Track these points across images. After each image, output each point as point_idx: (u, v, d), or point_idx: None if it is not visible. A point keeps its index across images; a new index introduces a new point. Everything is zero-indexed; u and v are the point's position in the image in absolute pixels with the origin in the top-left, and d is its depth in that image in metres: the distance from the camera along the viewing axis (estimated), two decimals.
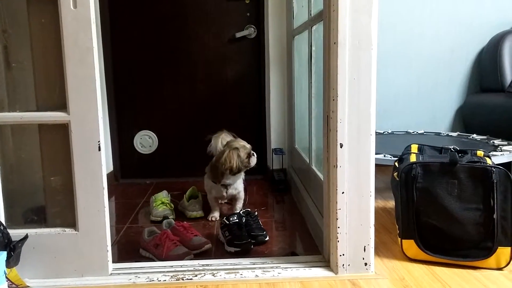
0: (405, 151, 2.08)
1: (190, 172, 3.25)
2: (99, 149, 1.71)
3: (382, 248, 2.01)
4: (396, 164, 2.04)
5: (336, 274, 1.77)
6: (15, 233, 1.70)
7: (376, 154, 1.76)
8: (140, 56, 3.29)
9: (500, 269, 1.79)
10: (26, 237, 1.70)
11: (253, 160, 2.46)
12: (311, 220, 2.29)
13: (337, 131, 1.70)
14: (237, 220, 2.17)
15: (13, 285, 1.65)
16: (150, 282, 1.74)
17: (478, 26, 3.58)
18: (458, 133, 3.36)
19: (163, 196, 2.63)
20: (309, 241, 2.18)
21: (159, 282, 1.75)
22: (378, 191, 2.76)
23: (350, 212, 1.74)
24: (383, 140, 3.15)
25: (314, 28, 2.39)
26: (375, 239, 1.79)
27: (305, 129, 2.69)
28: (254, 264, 1.88)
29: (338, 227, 1.75)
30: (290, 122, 3.17)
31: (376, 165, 1.78)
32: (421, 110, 3.65)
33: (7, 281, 1.61)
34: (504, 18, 3.56)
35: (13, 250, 1.65)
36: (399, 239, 1.92)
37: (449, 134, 3.33)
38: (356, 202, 1.74)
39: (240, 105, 3.37)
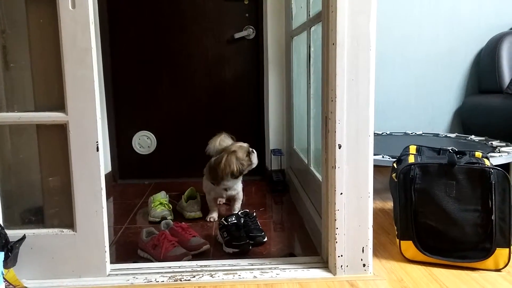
0: (403, 152, 2.08)
1: (189, 173, 3.25)
2: (97, 150, 1.71)
3: (381, 249, 2.01)
4: (395, 165, 2.04)
5: (334, 275, 1.77)
6: (13, 234, 1.70)
7: (374, 155, 1.76)
8: (139, 57, 3.29)
9: (498, 270, 1.79)
10: (23, 237, 1.70)
11: (254, 157, 2.45)
12: (309, 221, 2.29)
13: (335, 132, 1.70)
14: (236, 221, 2.17)
15: (11, 286, 1.64)
16: (148, 283, 1.74)
17: (476, 28, 3.58)
18: (456, 134, 3.36)
19: (162, 196, 2.63)
20: (308, 242, 2.18)
21: (157, 283, 1.74)
22: (377, 192, 2.76)
23: (348, 213, 1.74)
24: (381, 141, 3.15)
25: (312, 29, 2.39)
26: (373, 240, 1.79)
27: (303, 130, 2.69)
28: (252, 265, 1.88)
29: (337, 228, 1.75)
30: (289, 123, 3.17)
31: (375, 166, 1.78)
32: (419, 111, 3.65)
33: (4, 281, 1.61)
34: (502, 20, 3.57)
35: (11, 251, 1.65)
36: (398, 240, 1.92)
37: (448, 135, 3.34)
38: (354, 203, 1.74)
39: (238, 106, 3.37)
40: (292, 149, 3.06)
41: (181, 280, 1.75)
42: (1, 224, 1.71)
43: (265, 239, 2.19)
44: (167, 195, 2.69)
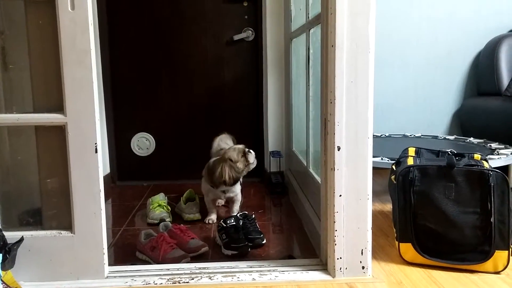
0: (402, 154, 2.08)
1: (187, 175, 3.25)
2: (96, 151, 1.71)
3: (380, 252, 2.00)
4: (394, 167, 2.04)
5: (333, 277, 1.77)
6: (11, 236, 1.69)
7: (373, 157, 1.76)
8: (138, 58, 3.29)
9: (497, 272, 1.79)
10: (21, 239, 1.70)
11: (251, 157, 2.44)
12: (308, 223, 2.28)
13: (334, 134, 1.70)
14: (234, 223, 2.17)
15: None
16: (147, 285, 1.74)
17: (475, 30, 3.59)
18: (455, 136, 3.37)
19: (160, 198, 2.63)
20: (307, 244, 2.18)
21: (156, 285, 1.74)
22: (376, 194, 2.76)
23: (347, 215, 1.74)
24: (380, 143, 3.15)
25: (312, 31, 2.39)
26: (372, 243, 1.79)
27: (302, 132, 2.69)
28: (251, 267, 1.87)
29: (336, 230, 1.75)
30: (288, 125, 3.17)
31: (374, 168, 1.78)
32: (418, 113, 3.66)
33: (2, 283, 1.60)
34: (500, 22, 3.57)
35: (9, 253, 1.65)
36: (397, 242, 1.92)
37: (446, 137, 3.34)
38: (353, 205, 1.74)
39: (237, 108, 3.37)
40: (291, 151, 3.06)
41: (179, 283, 1.75)
42: None
43: (264, 241, 2.18)
44: (166, 197, 2.69)
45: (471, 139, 3.18)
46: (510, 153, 2.68)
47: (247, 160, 2.42)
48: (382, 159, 2.57)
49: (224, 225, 2.15)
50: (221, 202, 2.76)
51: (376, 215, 2.48)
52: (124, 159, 3.39)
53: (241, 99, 3.37)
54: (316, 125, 2.21)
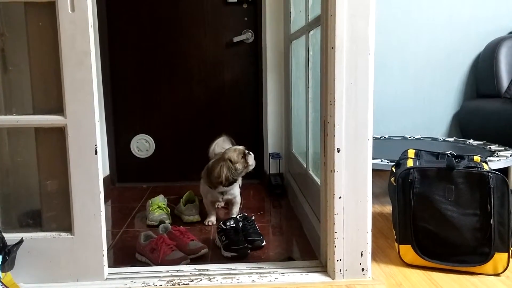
0: (402, 156, 2.08)
1: (187, 177, 3.25)
2: (96, 153, 1.71)
3: (379, 253, 2.00)
4: (393, 169, 2.04)
5: (333, 279, 1.77)
6: (10, 237, 1.69)
7: (373, 159, 1.76)
8: (138, 60, 3.29)
9: (497, 274, 1.79)
10: (21, 241, 1.70)
11: (251, 159, 2.44)
12: (308, 225, 2.28)
13: (334, 135, 1.70)
14: (234, 225, 2.16)
15: None
16: (146, 287, 1.73)
17: (474, 32, 3.59)
18: (454, 138, 3.37)
19: (160, 200, 2.63)
20: (306, 246, 2.18)
21: (155, 287, 1.74)
22: (375, 196, 2.76)
23: (347, 217, 1.74)
24: (380, 145, 3.15)
25: (311, 33, 2.39)
26: (372, 244, 1.79)
27: (302, 134, 2.69)
28: (251, 269, 1.87)
29: (335, 232, 1.75)
30: (287, 127, 3.17)
31: (373, 170, 1.78)
32: (418, 115, 3.66)
33: (2, 285, 1.60)
34: (500, 24, 3.58)
35: (8, 254, 1.64)
36: (396, 244, 1.92)
37: (446, 139, 3.34)
38: (353, 207, 1.74)
39: (237, 110, 3.37)
40: (291, 153, 3.06)
41: (179, 284, 1.75)
42: None
43: (264, 243, 2.18)
44: (165, 199, 2.69)
45: (471, 141, 3.18)
46: (509, 155, 2.68)
47: (246, 162, 2.42)
48: (381, 161, 2.57)
49: (224, 227, 2.15)
50: (220, 204, 2.75)
51: (376, 217, 2.48)
52: (123, 161, 3.39)
53: (241, 101, 3.37)
54: (316, 127, 2.21)
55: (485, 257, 1.77)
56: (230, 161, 2.39)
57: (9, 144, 1.87)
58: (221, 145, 2.66)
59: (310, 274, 1.81)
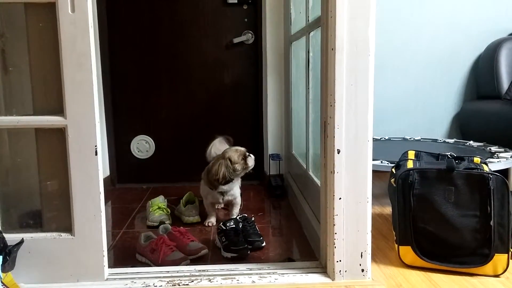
0: (402, 157, 2.08)
1: (187, 177, 3.25)
2: (96, 154, 1.71)
3: (379, 255, 2.00)
4: (393, 170, 2.04)
5: (333, 280, 1.77)
6: (11, 238, 1.69)
7: (373, 160, 1.76)
8: (138, 61, 3.30)
9: (497, 276, 1.79)
10: (21, 241, 1.70)
11: (251, 161, 2.44)
12: (308, 226, 2.28)
13: (334, 137, 1.70)
14: (234, 226, 2.17)
15: None
16: (146, 287, 1.74)
17: (475, 33, 3.59)
18: (455, 139, 3.37)
19: (160, 201, 2.63)
20: (306, 247, 2.18)
21: (155, 287, 1.74)
22: (375, 197, 2.76)
23: (347, 218, 1.74)
24: (380, 146, 3.15)
25: (311, 34, 2.39)
26: (372, 245, 1.79)
27: (302, 135, 2.69)
28: (250, 270, 1.87)
29: (335, 233, 1.75)
30: (287, 128, 3.17)
31: (373, 171, 1.78)
32: (418, 116, 3.66)
33: (2, 285, 1.60)
34: (500, 26, 3.58)
35: (9, 255, 1.65)
36: (396, 245, 1.92)
37: (446, 140, 3.34)
38: (353, 208, 1.74)
39: (237, 111, 3.38)
40: (291, 154, 3.06)
41: (179, 285, 1.75)
42: None
43: (264, 244, 2.18)
44: (165, 200, 2.69)
45: (471, 142, 3.19)
46: (509, 156, 2.68)
47: (246, 163, 2.43)
48: (381, 162, 2.58)
49: (224, 228, 2.15)
50: (220, 205, 2.75)
51: (376, 218, 2.48)
52: (124, 161, 3.39)
53: (241, 102, 3.37)
54: (316, 128, 2.21)
55: (485, 258, 1.77)
56: (230, 160, 2.39)
57: (9, 144, 1.87)
58: (218, 147, 2.66)
59: (310, 275, 1.81)
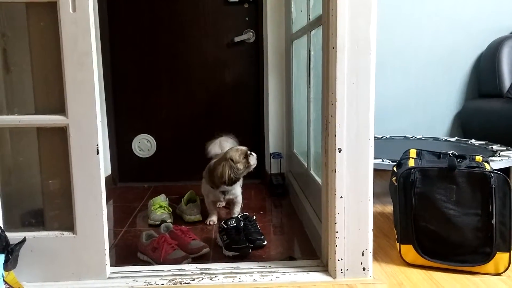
0: (403, 156, 2.08)
1: (188, 176, 3.25)
2: (97, 153, 1.71)
3: (381, 253, 2.00)
4: (395, 169, 2.04)
5: (334, 278, 1.77)
6: (13, 236, 1.70)
7: (374, 158, 1.76)
8: (139, 60, 3.30)
9: (498, 274, 1.79)
10: (24, 240, 1.70)
11: (252, 160, 2.43)
12: (309, 224, 2.29)
13: (335, 135, 1.70)
14: (235, 224, 2.17)
15: None
16: (148, 286, 1.74)
17: (476, 32, 3.59)
18: (456, 138, 3.36)
19: (161, 199, 2.63)
20: (307, 245, 2.18)
21: (157, 285, 1.74)
22: (377, 195, 2.76)
23: (348, 216, 1.74)
24: (381, 145, 3.15)
25: (312, 32, 2.39)
26: (373, 244, 1.79)
27: (303, 134, 2.69)
28: (252, 268, 1.88)
29: (337, 232, 1.75)
30: (289, 127, 3.17)
31: (375, 169, 1.78)
32: (419, 115, 3.66)
33: (4, 284, 1.61)
34: (502, 24, 3.57)
35: (11, 253, 1.65)
36: (398, 244, 1.92)
37: (448, 139, 3.33)
38: (354, 206, 1.74)
39: (238, 109, 3.38)
40: (292, 153, 3.06)
41: (181, 283, 1.75)
42: (2, 226, 1.70)
43: (265, 243, 2.19)
44: (167, 198, 2.69)
45: (473, 141, 3.18)
46: (511, 155, 2.68)
47: (248, 162, 2.42)
48: (383, 160, 2.58)
49: (225, 226, 2.15)
50: (221, 204, 2.75)
51: (377, 216, 2.48)
52: (125, 160, 3.40)
53: (242, 101, 3.37)
54: (317, 126, 2.21)
55: (487, 257, 1.77)
56: (232, 160, 2.39)
57: (11, 144, 1.87)
58: (225, 143, 2.67)
59: (311, 273, 1.81)
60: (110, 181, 3.30)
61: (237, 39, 3.27)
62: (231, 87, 3.35)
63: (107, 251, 1.78)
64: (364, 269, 1.77)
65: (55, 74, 1.69)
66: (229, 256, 2.05)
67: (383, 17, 3.38)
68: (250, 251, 2.08)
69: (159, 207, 2.56)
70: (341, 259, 1.76)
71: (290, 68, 3.05)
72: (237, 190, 2.54)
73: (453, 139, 3.32)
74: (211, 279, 1.78)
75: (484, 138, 3.18)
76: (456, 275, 1.79)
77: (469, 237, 1.79)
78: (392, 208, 2.02)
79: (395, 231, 1.96)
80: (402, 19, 3.57)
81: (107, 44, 3.24)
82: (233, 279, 1.78)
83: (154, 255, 1.98)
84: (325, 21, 1.76)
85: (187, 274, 1.82)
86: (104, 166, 1.76)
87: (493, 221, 1.75)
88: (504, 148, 2.90)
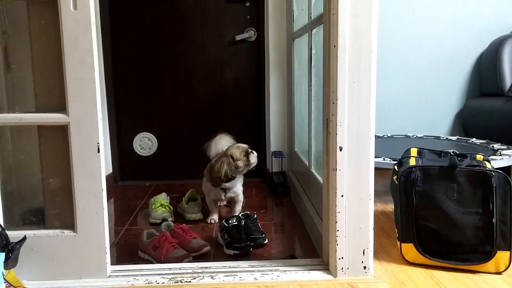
0: (404, 154, 2.08)
1: (189, 175, 3.25)
2: (98, 151, 1.71)
3: (381, 252, 2.00)
4: (396, 167, 2.04)
5: (335, 277, 1.77)
6: (14, 235, 1.70)
7: (375, 157, 1.76)
8: (140, 58, 3.29)
9: (499, 273, 1.79)
10: (24, 238, 1.70)
11: (253, 158, 2.44)
12: (310, 223, 2.29)
13: (336, 134, 1.70)
14: (236, 223, 2.17)
15: (11, 287, 1.64)
16: (149, 285, 1.74)
17: (478, 31, 3.58)
18: (457, 137, 3.36)
19: (162, 198, 2.63)
20: (308, 244, 2.18)
21: (158, 284, 1.74)
22: (378, 194, 2.76)
23: (349, 215, 1.74)
24: (382, 143, 3.15)
25: (314, 31, 2.39)
26: (374, 243, 1.79)
27: (304, 132, 2.69)
28: (253, 267, 1.88)
29: (337, 230, 1.75)
30: (290, 125, 3.17)
31: (376, 168, 1.78)
32: (420, 113, 3.65)
33: (5, 282, 1.61)
34: (503, 23, 3.57)
35: (12, 252, 1.65)
36: (398, 242, 1.92)
37: (449, 138, 3.33)
38: (355, 205, 1.74)
39: (239, 108, 3.37)
40: (293, 151, 3.06)
41: (181, 282, 1.75)
42: (2, 224, 1.71)
43: (266, 241, 2.19)
44: (168, 197, 2.69)
45: (474, 139, 3.18)
46: None
47: (248, 160, 2.42)
48: (384, 159, 2.57)
49: (226, 225, 2.15)
50: (222, 202, 2.75)
51: (378, 215, 2.48)
52: (126, 159, 3.40)
53: (243, 99, 3.37)
54: (318, 125, 2.21)
55: (487, 256, 1.77)
56: (232, 157, 2.39)
57: (12, 142, 1.87)
58: (218, 143, 2.66)
59: (312, 272, 1.81)
60: (111, 180, 3.30)
61: (238, 37, 3.27)
62: (232, 85, 3.35)
63: (107, 250, 1.78)
64: (365, 267, 1.77)
65: (56, 72, 1.69)
66: (230, 254, 2.05)
67: (384, 16, 3.38)
68: (251, 249, 2.08)
69: (160, 205, 2.56)
70: (342, 258, 1.76)
71: (292, 67, 3.05)
72: (238, 188, 2.54)
73: (454, 138, 3.31)
74: (212, 277, 1.78)
75: (485, 137, 3.17)
76: (457, 274, 1.79)
77: (469, 235, 1.79)
78: (393, 207, 2.02)
79: (396, 230, 1.96)
80: (403, 18, 3.56)
81: (108, 42, 3.24)
82: (234, 277, 1.78)
83: (155, 254, 1.98)
84: (326, 19, 1.76)
85: (188, 273, 1.82)
86: (105, 164, 1.76)
87: (493, 220, 1.75)
88: (505, 147, 2.90)
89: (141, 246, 2.08)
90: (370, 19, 1.65)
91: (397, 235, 1.94)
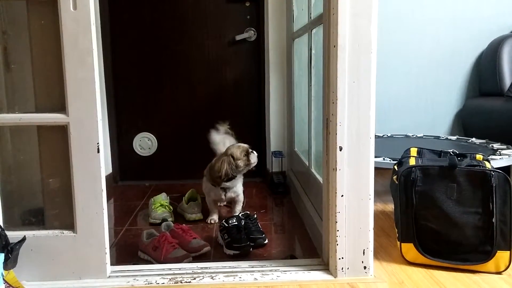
0: (404, 154, 2.08)
1: (189, 175, 3.25)
2: (98, 151, 1.71)
3: (381, 252, 2.00)
4: (396, 167, 2.04)
5: (335, 277, 1.77)
6: (13, 235, 1.69)
7: (375, 157, 1.76)
8: (140, 58, 3.29)
9: (499, 273, 1.79)
10: (24, 239, 1.70)
11: (253, 158, 2.44)
12: (310, 223, 2.28)
13: (336, 134, 1.70)
14: (236, 223, 2.17)
15: (11, 287, 1.64)
16: (149, 285, 1.74)
17: (477, 30, 3.58)
18: (457, 136, 3.36)
19: (162, 198, 2.63)
20: (308, 244, 2.18)
21: (158, 284, 1.74)
22: (378, 194, 2.76)
23: (349, 215, 1.74)
24: (382, 143, 3.15)
25: (314, 31, 2.39)
26: (374, 243, 1.79)
27: (304, 132, 2.69)
28: (253, 267, 1.88)
29: (337, 230, 1.75)
30: (290, 125, 3.17)
31: (376, 168, 1.78)
32: (420, 113, 3.65)
33: (4, 283, 1.61)
34: (503, 23, 3.57)
35: (11, 252, 1.65)
36: (398, 242, 1.92)
37: (448, 137, 3.33)
38: (355, 205, 1.74)
39: (239, 108, 3.37)
40: (293, 151, 3.06)
41: (181, 282, 1.75)
42: (1, 225, 1.70)
43: (266, 241, 2.18)
44: (168, 197, 2.69)
45: (473, 139, 3.18)
46: None
47: (248, 160, 2.42)
48: (384, 159, 2.57)
49: (226, 225, 2.15)
50: (222, 202, 2.75)
51: (378, 215, 2.48)
52: (126, 159, 3.40)
53: (243, 99, 3.37)
54: (318, 125, 2.21)
55: (487, 256, 1.77)
56: (232, 157, 2.40)
57: (11, 142, 1.87)
58: (216, 136, 2.68)
59: (312, 272, 1.81)
60: (111, 180, 3.30)
61: (238, 37, 3.27)
62: (232, 85, 3.35)
63: (107, 250, 1.78)
64: (365, 267, 1.77)
65: (55, 72, 1.69)
66: (230, 254, 2.05)
67: (384, 16, 3.38)
68: (251, 249, 2.08)
69: (160, 205, 2.56)
70: (342, 258, 1.76)
71: (291, 67, 3.05)
72: (238, 188, 2.53)
73: (453, 138, 3.31)
74: (211, 278, 1.78)
75: (484, 137, 3.17)
76: (457, 274, 1.79)
77: (469, 235, 1.79)
78: (393, 207, 2.02)
79: (396, 230, 1.96)
80: (403, 18, 3.56)
81: (108, 42, 3.23)
82: (234, 278, 1.78)
83: (155, 254, 1.98)
84: (326, 19, 1.76)
85: (187, 273, 1.82)
86: (104, 164, 1.76)
87: (493, 220, 1.75)
88: (505, 146, 2.90)
89: (141, 246, 2.08)
90: (370, 19, 1.65)
91: (397, 235, 1.94)
